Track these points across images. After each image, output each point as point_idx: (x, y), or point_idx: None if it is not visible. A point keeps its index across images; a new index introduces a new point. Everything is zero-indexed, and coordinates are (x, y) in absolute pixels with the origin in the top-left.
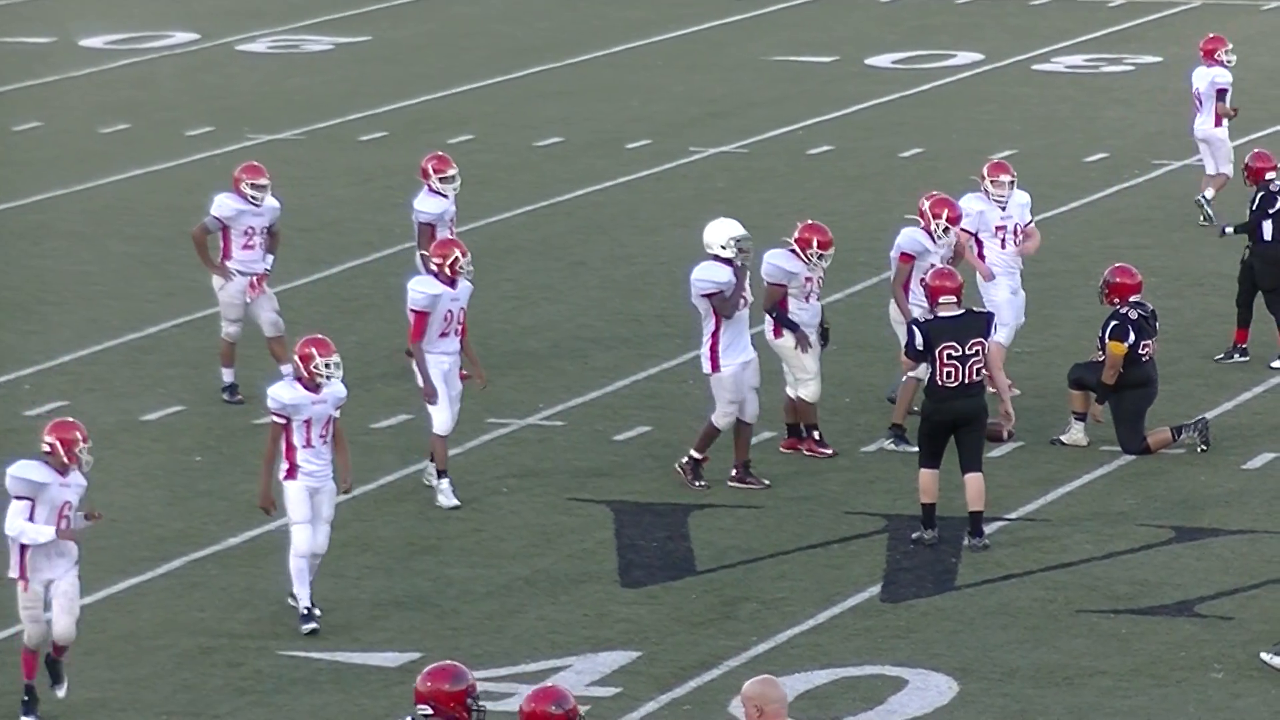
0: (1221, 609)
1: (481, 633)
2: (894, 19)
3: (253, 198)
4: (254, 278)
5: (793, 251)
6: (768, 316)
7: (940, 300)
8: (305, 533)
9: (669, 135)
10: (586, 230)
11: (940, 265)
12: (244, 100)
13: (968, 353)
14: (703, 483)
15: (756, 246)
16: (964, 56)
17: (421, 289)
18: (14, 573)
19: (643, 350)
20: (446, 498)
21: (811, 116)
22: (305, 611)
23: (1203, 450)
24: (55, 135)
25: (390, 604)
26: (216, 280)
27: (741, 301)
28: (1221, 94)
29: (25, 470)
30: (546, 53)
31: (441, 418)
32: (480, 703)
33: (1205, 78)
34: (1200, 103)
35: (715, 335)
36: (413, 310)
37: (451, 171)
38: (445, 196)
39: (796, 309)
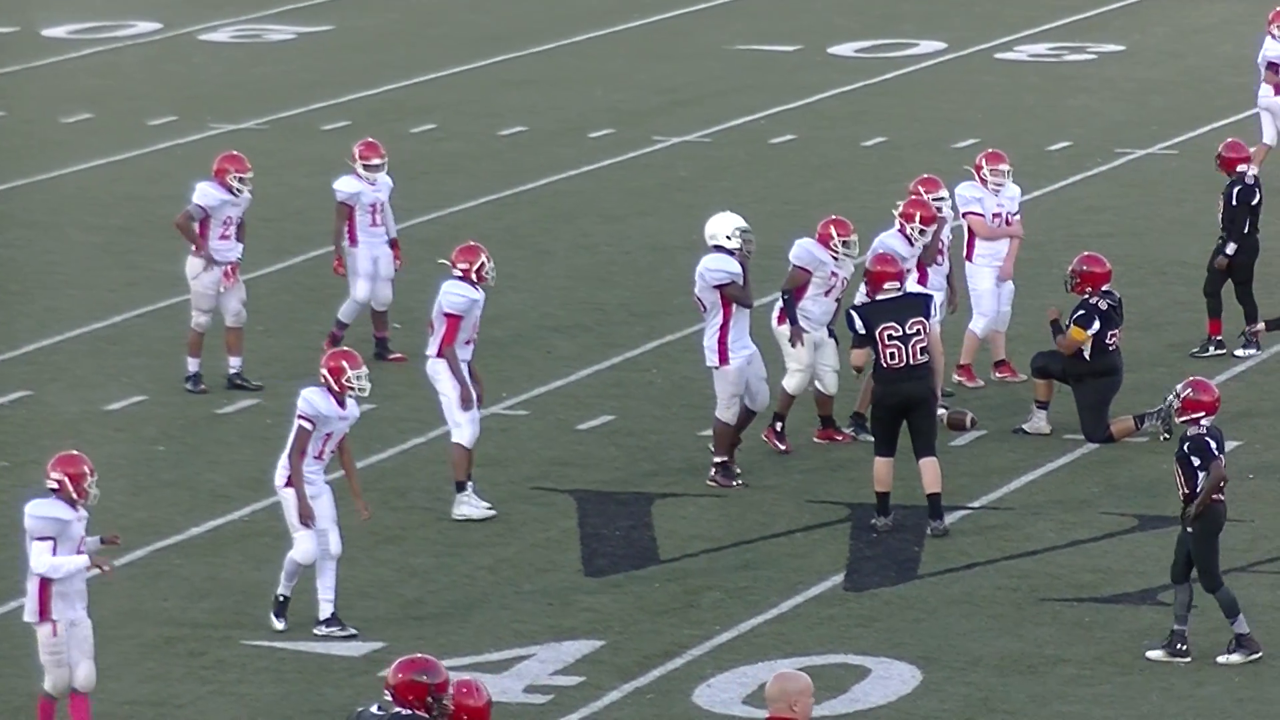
0: None
1: (445, 622)
2: (857, 8)
3: (237, 189)
4: (228, 266)
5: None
6: (780, 301)
7: (884, 287)
8: (310, 542)
9: (632, 124)
10: (550, 219)
11: (885, 253)
12: (207, 89)
13: (909, 332)
14: (740, 482)
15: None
16: (927, 45)
17: (459, 293)
18: (31, 617)
19: (607, 339)
20: (474, 507)
21: (774, 105)
22: (281, 599)
23: (1165, 438)
24: (17, 125)
25: (354, 594)
26: (190, 269)
27: (751, 292)
28: (1273, 66)
29: (48, 509)
30: (510, 41)
31: (469, 430)
32: (446, 702)
33: (1263, 49)
34: (1262, 72)
35: (724, 328)
36: (447, 314)
37: (377, 160)
38: (371, 184)
39: (811, 300)
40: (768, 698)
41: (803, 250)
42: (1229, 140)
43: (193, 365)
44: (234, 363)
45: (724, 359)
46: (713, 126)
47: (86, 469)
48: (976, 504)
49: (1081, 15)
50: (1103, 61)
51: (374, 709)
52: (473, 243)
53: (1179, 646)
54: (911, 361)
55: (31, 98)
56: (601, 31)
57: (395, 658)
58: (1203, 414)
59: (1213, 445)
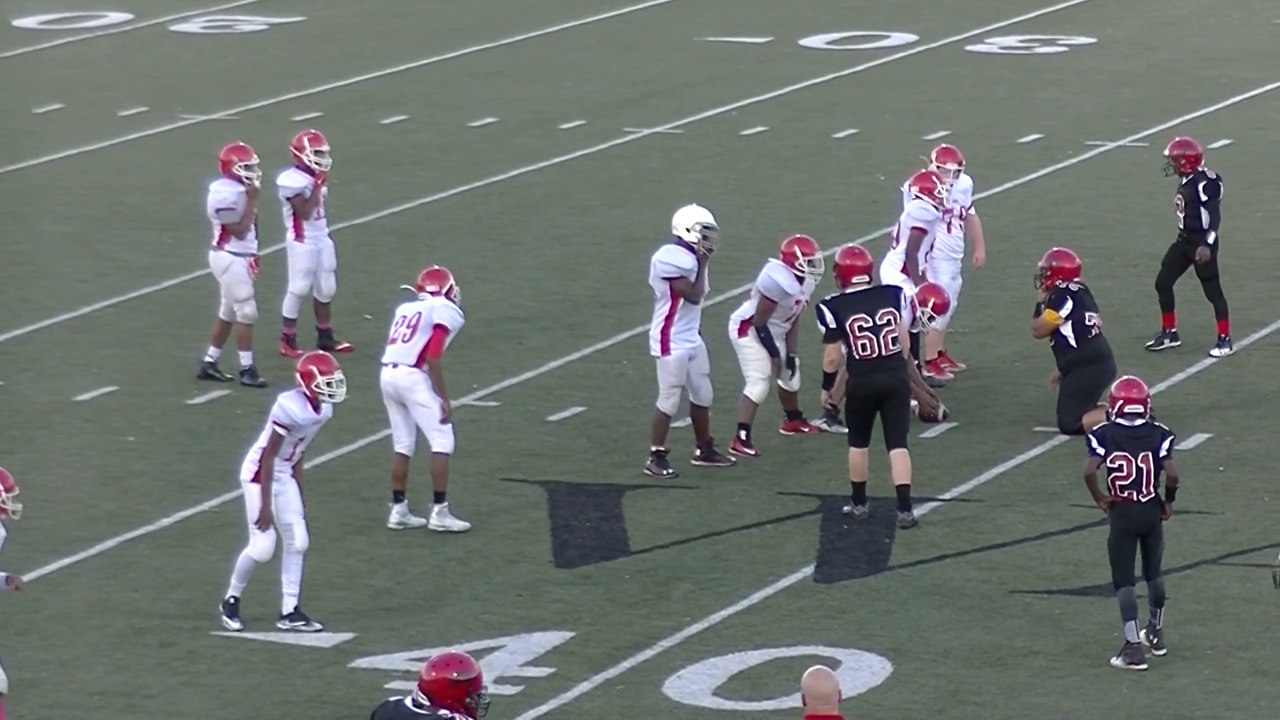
0: None
1: (415, 613)
2: (828, 0)
3: (246, 178)
4: (252, 258)
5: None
6: (735, 316)
7: (853, 280)
8: (269, 540)
9: (603, 115)
10: (521, 210)
11: (854, 247)
12: (177, 80)
13: (879, 323)
14: (670, 470)
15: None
16: (898, 37)
17: (455, 309)
18: None
19: (577, 330)
20: (454, 520)
21: (745, 97)
22: (232, 601)
23: None
24: None
25: (324, 585)
26: (218, 263)
27: (703, 289)
28: None
29: None
30: (481, 32)
31: (451, 439)
32: (484, 697)
33: None
34: None
35: (669, 319)
36: (440, 325)
37: (327, 147)
38: (312, 173)
39: (771, 324)
40: (817, 696)
41: (770, 280)
42: (1178, 140)
43: (246, 359)
44: (213, 352)
45: (665, 349)
46: (684, 118)
47: (3, 488)
48: (947, 496)
49: (1052, 8)
50: (1073, 54)
51: (408, 702)
52: (438, 266)
53: (1152, 639)
54: (883, 352)
55: (2, 88)
56: (572, 23)
57: (364, 649)
58: (1122, 406)
59: (1093, 442)
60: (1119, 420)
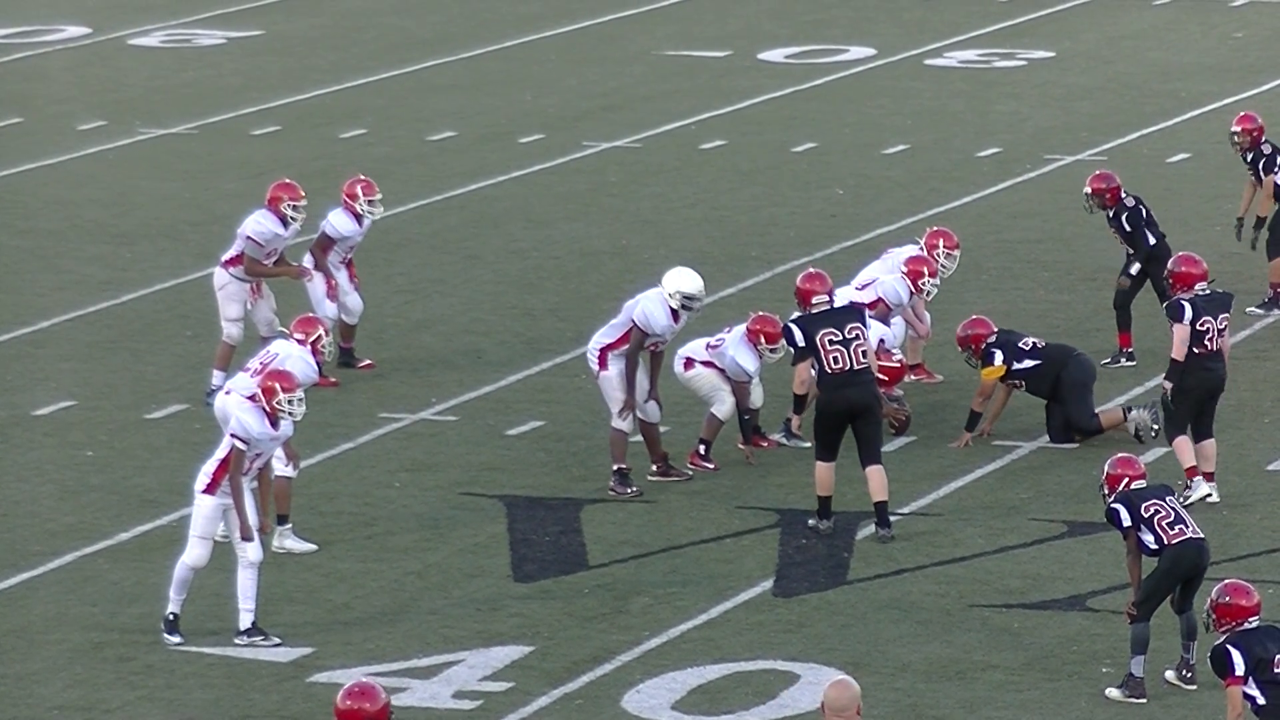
0: (1113, 603)
1: (373, 627)
2: (787, 13)
3: (292, 218)
4: (254, 281)
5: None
6: (681, 353)
7: (813, 302)
8: (204, 550)
9: (562, 129)
10: (479, 224)
11: (814, 271)
12: (136, 94)
13: (848, 336)
14: (635, 488)
15: (650, 242)
16: (856, 51)
17: (311, 364)
18: None
19: (535, 344)
20: (298, 542)
21: (704, 111)
22: (172, 617)
23: (1154, 433)
24: None
25: (281, 599)
26: (218, 279)
27: (657, 346)
28: None
29: None
30: (439, 46)
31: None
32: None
33: None
34: None
35: (616, 342)
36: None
37: (379, 196)
38: (360, 220)
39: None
40: (833, 708)
41: (734, 364)
42: (1098, 174)
43: (218, 379)
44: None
45: (603, 364)
46: (642, 132)
47: None
48: (906, 509)
49: (1011, 21)
50: (1031, 68)
51: None
52: (312, 315)
53: (1186, 674)
54: (854, 365)
55: None
56: (530, 37)
57: (323, 663)
58: (1129, 483)
59: (1120, 515)
60: (1130, 491)
